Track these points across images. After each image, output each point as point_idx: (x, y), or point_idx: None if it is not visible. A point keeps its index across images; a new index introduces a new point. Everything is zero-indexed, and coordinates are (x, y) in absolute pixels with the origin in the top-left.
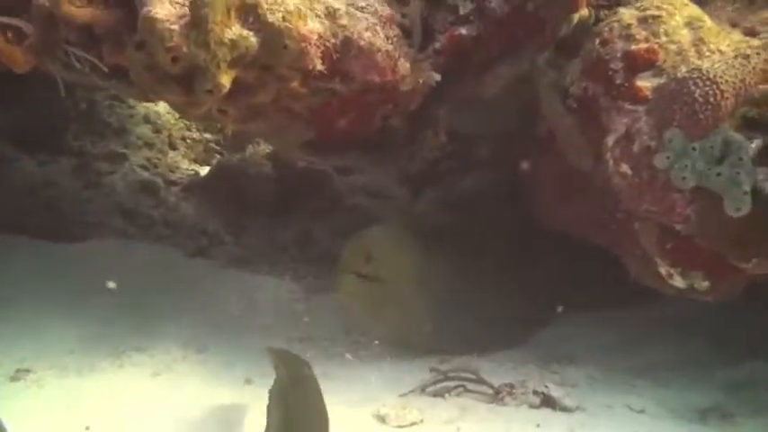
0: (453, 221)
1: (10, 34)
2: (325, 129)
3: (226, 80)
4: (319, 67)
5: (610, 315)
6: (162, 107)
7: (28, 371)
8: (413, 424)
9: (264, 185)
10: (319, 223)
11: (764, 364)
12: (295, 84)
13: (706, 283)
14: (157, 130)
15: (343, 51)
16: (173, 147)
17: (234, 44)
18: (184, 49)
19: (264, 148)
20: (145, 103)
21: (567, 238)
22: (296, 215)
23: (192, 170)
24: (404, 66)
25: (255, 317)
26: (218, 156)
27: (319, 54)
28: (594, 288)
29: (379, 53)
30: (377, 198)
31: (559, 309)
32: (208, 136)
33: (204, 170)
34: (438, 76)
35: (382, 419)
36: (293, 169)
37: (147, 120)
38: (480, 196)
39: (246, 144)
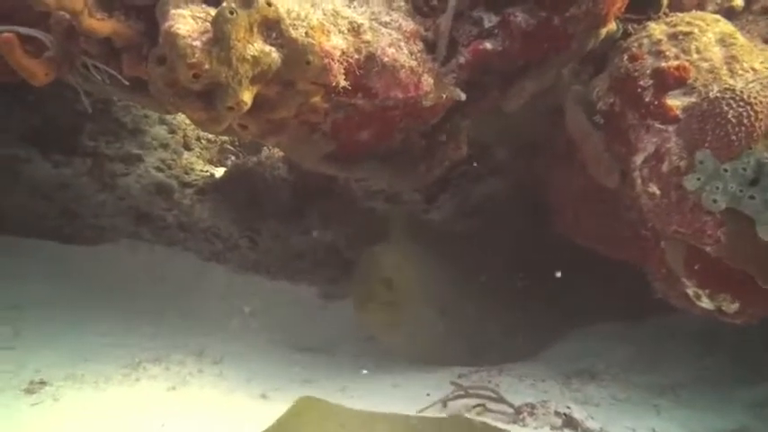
0: (467, 230)
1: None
2: (346, 142)
3: (247, 97)
4: (342, 83)
5: (628, 326)
6: None
7: (43, 383)
8: None
9: (280, 189)
10: (335, 227)
11: None
12: (317, 99)
13: (735, 305)
14: (172, 131)
15: (367, 67)
16: (188, 147)
17: (256, 60)
18: (206, 66)
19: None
20: None
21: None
22: (312, 219)
23: (206, 171)
24: (427, 81)
25: (271, 324)
26: (233, 157)
27: (342, 70)
28: (613, 298)
29: (403, 69)
30: (392, 202)
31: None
32: (223, 137)
33: (219, 171)
34: (464, 96)
35: None
36: (309, 172)
37: (162, 120)
38: (496, 204)
39: (262, 146)
